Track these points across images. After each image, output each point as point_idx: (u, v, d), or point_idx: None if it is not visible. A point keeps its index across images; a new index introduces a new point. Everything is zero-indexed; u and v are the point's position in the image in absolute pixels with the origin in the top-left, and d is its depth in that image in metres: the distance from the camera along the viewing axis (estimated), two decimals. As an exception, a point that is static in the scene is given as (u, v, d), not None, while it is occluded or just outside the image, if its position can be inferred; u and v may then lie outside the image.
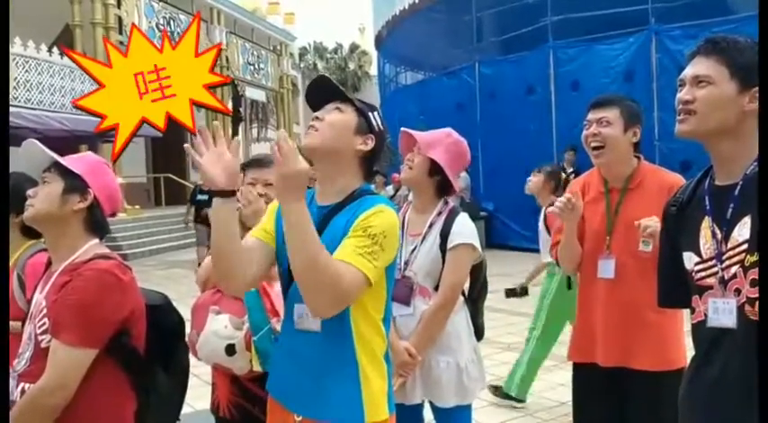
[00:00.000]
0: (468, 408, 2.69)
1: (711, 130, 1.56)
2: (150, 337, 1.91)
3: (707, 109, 1.55)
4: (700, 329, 1.59)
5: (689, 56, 1.64)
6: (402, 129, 2.80)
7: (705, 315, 1.57)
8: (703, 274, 1.58)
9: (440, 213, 2.66)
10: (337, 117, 1.89)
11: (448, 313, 2.60)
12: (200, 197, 10.10)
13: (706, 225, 1.59)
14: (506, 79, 13.25)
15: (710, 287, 1.56)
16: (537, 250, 13.37)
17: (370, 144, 1.91)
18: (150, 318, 1.92)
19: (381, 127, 1.97)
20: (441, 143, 2.66)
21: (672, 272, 1.72)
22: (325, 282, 1.66)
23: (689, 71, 1.61)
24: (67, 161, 1.93)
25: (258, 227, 1.97)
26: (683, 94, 1.59)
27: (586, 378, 2.67)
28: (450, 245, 2.58)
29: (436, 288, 2.61)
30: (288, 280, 1.91)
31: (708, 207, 1.59)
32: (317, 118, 1.91)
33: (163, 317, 1.98)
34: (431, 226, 2.64)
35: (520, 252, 11.20)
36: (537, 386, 4.89)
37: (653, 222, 2.35)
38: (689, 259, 1.63)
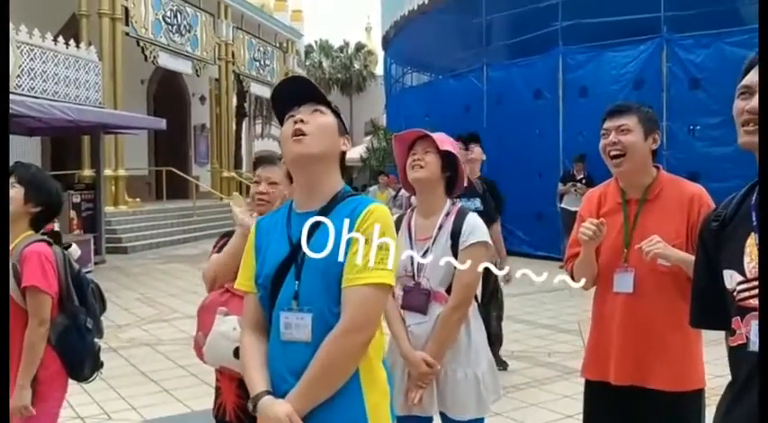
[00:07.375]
0: (482, 420, 2.60)
1: None
2: None
3: None
4: (740, 353, 1.48)
5: (750, 62, 1.50)
6: (395, 134, 2.73)
7: (747, 338, 1.46)
8: (747, 294, 1.47)
9: (448, 214, 2.57)
10: (324, 120, 1.84)
11: (463, 314, 2.51)
12: None
13: (751, 242, 1.48)
14: (514, 83, 13.18)
15: (754, 309, 1.46)
16: (537, 256, 13.30)
17: (348, 145, 1.93)
18: None
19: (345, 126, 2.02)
20: (446, 140, 2.62)
21: (708, 290, 1.61)
22: (365, 343, 1.73)
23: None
24: None
25: (245, 275, 1.90)
26: (756, 104, 1.45)
27: (598, 397, 2.57)
28: (462, 245, 2.49)
29: (449, 291, 2.51)
30: (271, 288, 1.79)
31: (755, 223, 1.49)
32: (301, 120, 1.80)
33: None
34: (440, 228, 2.54)
35: (522, 258, 11.11)
36: (541, 397, 4.78)
37: (654, 246, 2.29)
38: (730, 278, 1.52)
